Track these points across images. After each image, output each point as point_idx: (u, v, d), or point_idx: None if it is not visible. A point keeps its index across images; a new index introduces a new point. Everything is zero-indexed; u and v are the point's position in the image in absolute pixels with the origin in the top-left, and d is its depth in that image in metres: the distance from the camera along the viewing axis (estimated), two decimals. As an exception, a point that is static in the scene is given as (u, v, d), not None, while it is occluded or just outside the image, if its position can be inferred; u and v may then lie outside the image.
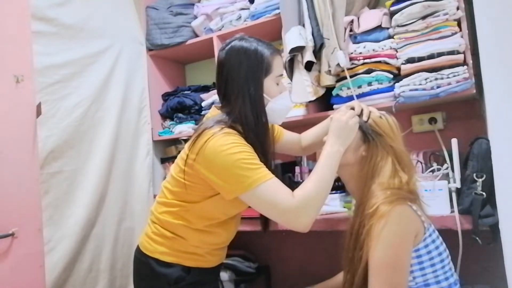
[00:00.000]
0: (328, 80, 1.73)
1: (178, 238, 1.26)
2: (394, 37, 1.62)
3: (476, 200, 1.32)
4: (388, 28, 1.65)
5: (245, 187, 1.11)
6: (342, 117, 1.19)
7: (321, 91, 1.76)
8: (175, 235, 1.26)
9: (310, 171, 2.00)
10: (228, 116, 1.21)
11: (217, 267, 1.37)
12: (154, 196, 2.00)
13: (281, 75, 1.27)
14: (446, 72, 1.49)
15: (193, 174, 1.19)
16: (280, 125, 1.46)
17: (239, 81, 1.20)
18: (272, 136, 1.44)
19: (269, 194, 1.11)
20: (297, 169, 1.96)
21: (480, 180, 1.33)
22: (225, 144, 1.12)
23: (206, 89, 2.32)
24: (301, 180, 1.88)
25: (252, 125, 1.20)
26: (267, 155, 1.27)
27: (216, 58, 1.29)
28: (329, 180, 1.17)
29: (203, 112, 2.21)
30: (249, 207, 1.28)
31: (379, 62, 1.65)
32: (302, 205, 1.10)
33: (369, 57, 1.66)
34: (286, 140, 1.54)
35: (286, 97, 1.30)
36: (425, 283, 1.08)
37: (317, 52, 1.72)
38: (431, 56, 1.51)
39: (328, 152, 1.18)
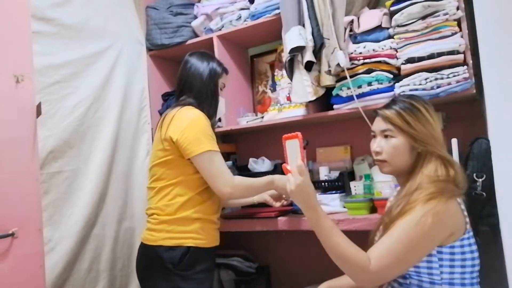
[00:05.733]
0: (328, 80, 1.73)
1: (179, 217, 1.48)
2: (394, 37, 1.62)
3: (476, 200, 1.32)
4: (388, 28, 1.65)
5: (201, 148, 1.44)
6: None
7: (321, 91, 1.76)
8: (176, 216, 1.48)
9: (310, 171, 2.01)
10: (194, 101, 1.57)
11: (213, 249, 1.56)
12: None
13: (223, 84, 1.68)
14: (446, 72, 1.49)
15: (170, 148, 1.49)
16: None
17: (203, 77, 1.61)
18: None
19: (219, 164, 1.47)
20: (297, 169, 1.96)
21: (480, 180, 1.33)
22: (194, 114, 1.50)
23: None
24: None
25: (209, 99, 1.59)
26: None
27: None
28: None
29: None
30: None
31: (379, 62, 1.65)
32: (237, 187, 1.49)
33: (369, 57, 1.66)
34: None
35: (223, 102, 1.68)
36: (450, 282, 1.07)
37: (317, 52, 1.72)
38: (431, 56, 1.51)
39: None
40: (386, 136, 1.20)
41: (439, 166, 1.13)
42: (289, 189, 1.10)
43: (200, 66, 1.61)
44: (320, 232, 1.08)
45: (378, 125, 1.23)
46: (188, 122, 1.47)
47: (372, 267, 1.01)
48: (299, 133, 1.09)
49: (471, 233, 1.11)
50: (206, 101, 1.58)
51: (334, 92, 1.77)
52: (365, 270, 1.02)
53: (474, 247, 1.10)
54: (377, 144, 1.22)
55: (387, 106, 1.23)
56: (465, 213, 1.09)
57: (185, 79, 1.61)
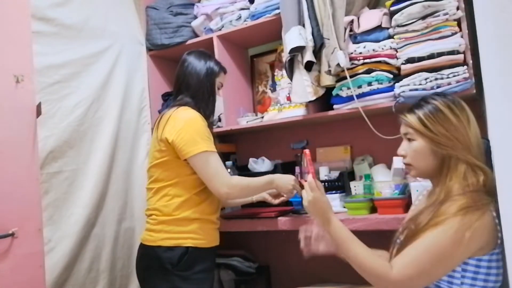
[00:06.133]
0: (328, 80, 1.73)
1: (177, 218, 1.48)
2: (394, 37, 1.62)
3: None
4: (388, 28, 1.65)
5: (197, 149, 1.43)
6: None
7: (321, 91, 1.76)
8: (174, 216, 1.48)
9: (310, 171, 2.00)
10: (190, 100, 1.56)
11: (212, 249, 1.56)
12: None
13: (221, 83, 1.69)
14: (446, 72, 1.49)
15: (166, 149, 1.48)
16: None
17: (200, 75, 1.61)
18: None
19: (216, 164, 1.47)
20: (297, 169, 1.96)
21: (481, 180, 1.32)
22: (189, 114, 1.49)
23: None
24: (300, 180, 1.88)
25: (206, 98, 1.59)
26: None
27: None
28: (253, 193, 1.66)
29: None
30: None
31: (379, 62, 1.65)
32: (236, 188, 1.50)
33: (369, 57, 1.66)
34: None
35: (220, 101, 1.71)
36: None
37: (317, 52, 1.72)
38: (431, 56, 1.51)
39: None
40: (409, 140, 1.19)
41: (468, 172, 1.09)
42: (303, 205, 1.19)
43: (198, 65, 1.61)
44: (338, 243, 1.12)
45: (401, 128, 1.22)
46: (183, 122, 1.47)
47: (394, 275, 1.01)
48: (306, 150, 1.21)
49: (500, 249, 1.07)
50: (203, 100, 1.58)
51: (334, 92, 1.77)
52: (385, 278, 1.02)
53: (501, 263, 1.07)
54: (401, 147, 1.21)
55: (409, 108, 1.20)
56: (498, 227, 1.05)
57: (182, 78, 1.61)
